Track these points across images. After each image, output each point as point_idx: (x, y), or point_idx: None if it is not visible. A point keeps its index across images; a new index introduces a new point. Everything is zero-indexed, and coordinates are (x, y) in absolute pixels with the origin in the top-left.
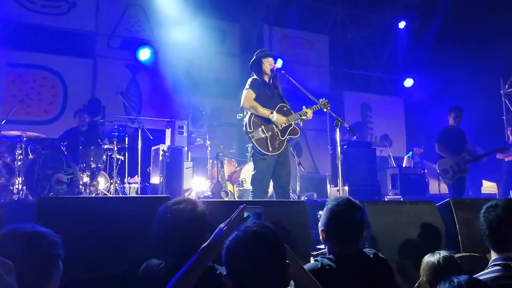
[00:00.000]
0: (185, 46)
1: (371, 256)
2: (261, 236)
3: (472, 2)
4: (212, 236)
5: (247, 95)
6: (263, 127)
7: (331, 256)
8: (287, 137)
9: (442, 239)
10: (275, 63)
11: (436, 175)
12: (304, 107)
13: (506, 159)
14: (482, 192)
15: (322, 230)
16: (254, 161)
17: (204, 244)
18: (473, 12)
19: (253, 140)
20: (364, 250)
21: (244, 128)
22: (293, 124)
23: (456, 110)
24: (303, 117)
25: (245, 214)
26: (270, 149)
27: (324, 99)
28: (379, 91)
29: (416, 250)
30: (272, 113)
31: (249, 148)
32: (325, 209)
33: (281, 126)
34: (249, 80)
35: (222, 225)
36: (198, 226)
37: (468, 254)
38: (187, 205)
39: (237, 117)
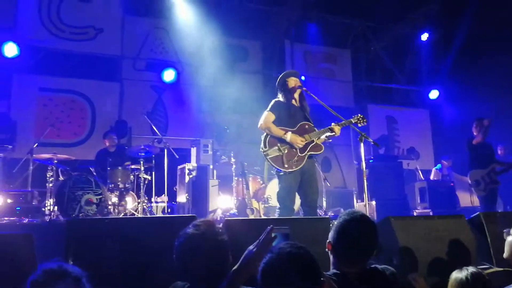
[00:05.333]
0: (208, 65)
1: (375, 275)
2: (296, 257)
3: (496, 8)
4: (242, 258)
5: (266, 117)
6: (279, 145)
7: (333, 271)
8: (308, 154)
9: (474, 254)
10: (300, 81)
11: (466, 188)
12: (333, 123)
13: None
14: None
15: (329, 242)
16: (278, 178)
17: (235, 267)
18: (497, 19)
19: (268, 158)
20: (376, 267)
21: (260, 148)
22: (315, 141)
23: (481, 122)
24: (328, 133)
25: (272, 235)
26: (286, 166)
27: (359, 115)
28: (404, 104)
29: (446, 266)
30: (286, 133)
31: (265, 166)
32: (336, 222)
33: (297, 145)
34: (272, 102)
35: (251, 247)
36: (220, 254)
37: (501, 269)
38: (206, 235)
39: (261, 137)
